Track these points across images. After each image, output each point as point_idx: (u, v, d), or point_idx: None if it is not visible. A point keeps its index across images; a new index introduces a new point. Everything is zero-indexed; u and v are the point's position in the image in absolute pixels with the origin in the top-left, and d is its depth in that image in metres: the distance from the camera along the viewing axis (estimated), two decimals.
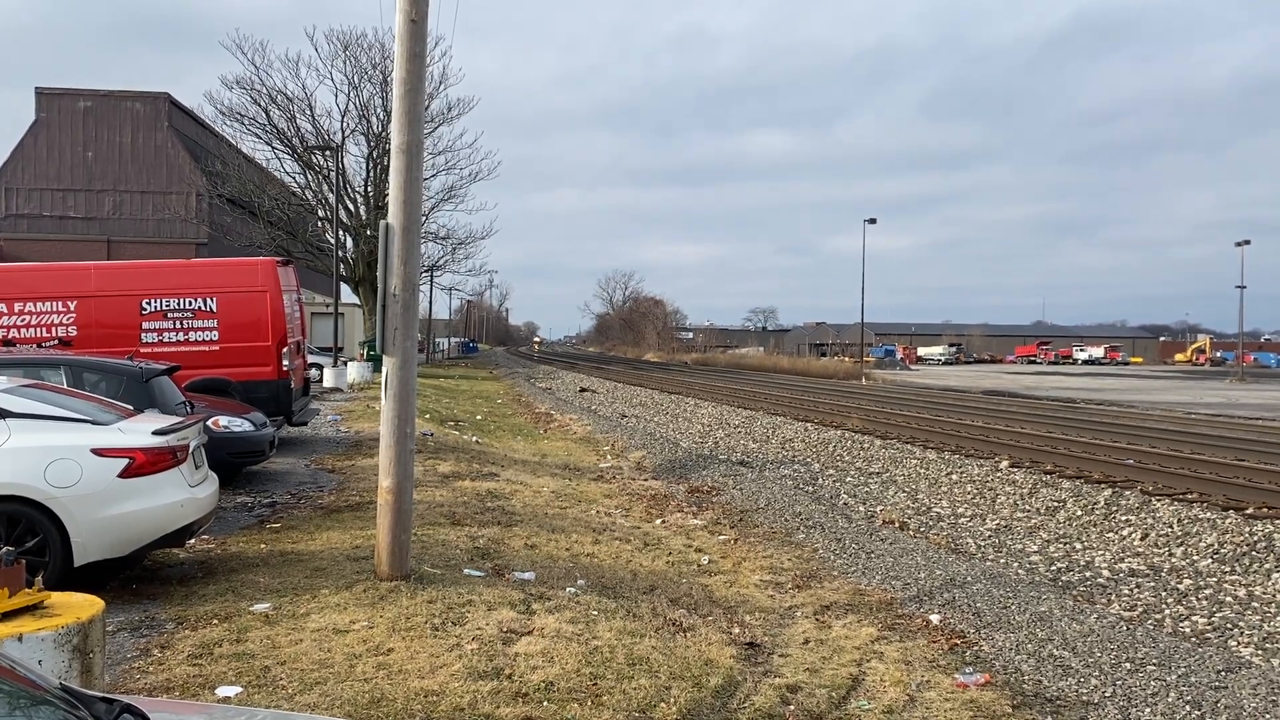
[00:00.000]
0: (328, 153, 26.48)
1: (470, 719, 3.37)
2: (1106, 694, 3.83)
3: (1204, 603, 5.40)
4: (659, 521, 8.02)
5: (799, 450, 13.26)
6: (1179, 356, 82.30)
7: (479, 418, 18.08)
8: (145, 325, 9.59)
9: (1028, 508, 8.68)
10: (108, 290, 9.79)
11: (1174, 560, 6.61)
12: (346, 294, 29.39)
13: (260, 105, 27.34)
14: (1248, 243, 44.04)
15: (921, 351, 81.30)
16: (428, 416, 15.14)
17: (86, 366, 6.66)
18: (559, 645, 4.08)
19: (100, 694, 1.74)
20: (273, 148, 28.28)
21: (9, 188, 31.63)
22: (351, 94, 27.23)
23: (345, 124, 27.62)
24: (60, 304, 9.53)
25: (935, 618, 4.79)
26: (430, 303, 48.22)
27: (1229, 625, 4.84)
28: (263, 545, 5.76)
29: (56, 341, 9.28)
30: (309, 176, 28.81)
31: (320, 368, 19.72)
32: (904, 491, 9.75)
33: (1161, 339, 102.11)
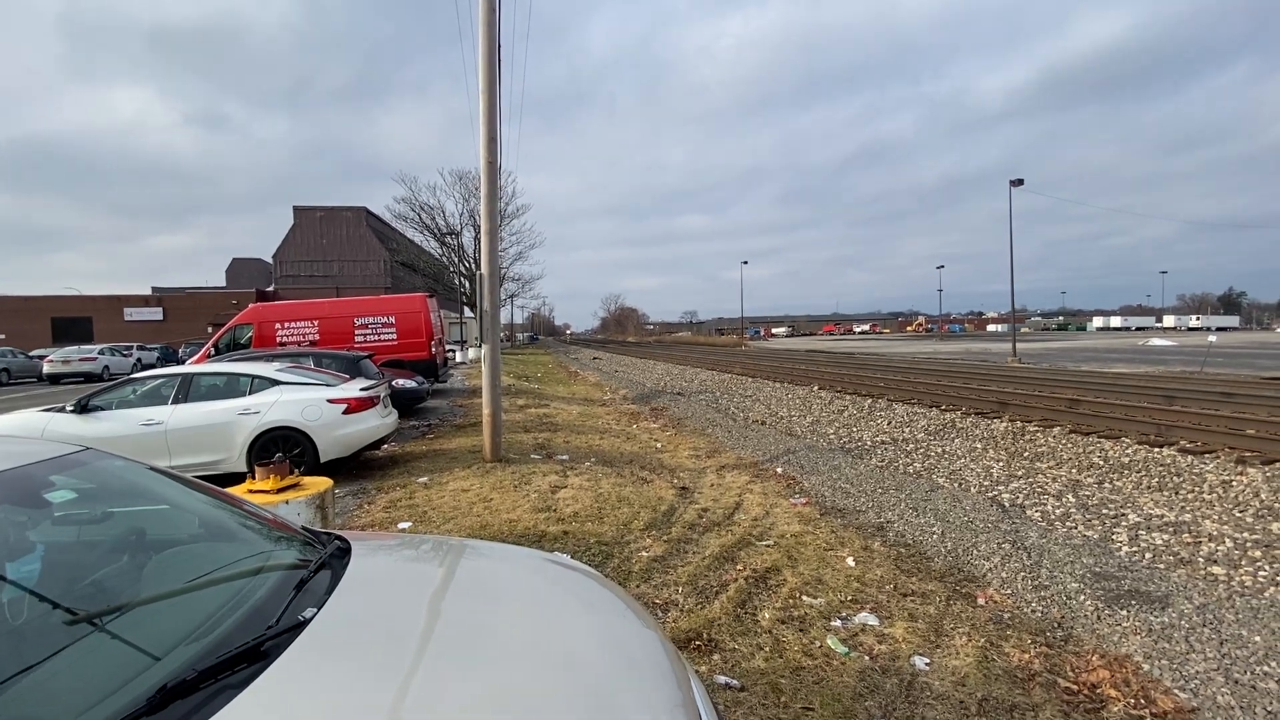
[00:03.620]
0: (452, 236, 46.66)
1: (534, 533, 5.36)
2: (869, 504, 6.43)
3: (919, 456, 8.60)
4: (635, 426, 11.55)
5: (708, 385, 19.43)
6: (909, 328, 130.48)
7: (539, 375, 26.12)
8: (356, 333, 14.35)
9: (829, 410, 13.04)
10: (335, 314, 14.55)
11: (904, 434, 10.27)
12: (466, 312, 48.84)
13: (414, 211, 46.71)
14: (942, 267, 78.11)
15: (774, 330, 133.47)
16: (512, 376, 23.45)
17: (324, 355, 9.97)
18: (580, 493, 6.58)
19: (325, 530, 2.35)
20: (423, 234, 48.02)
21: (282, 261, 56.88)
22: (463, 203, 46.47)
23: (461, 220, 46.83)
24: (310, 322, 14.31)
25: (780, 470, 7.90)
26: (511, 315, 77.08)
27: (932, 467, 7.97)
28: (424, 447, 8.89)
29: (308, 343, 13.93)
30: (443, 249, 48.30)
31: (454, 351, 31.28)
32: (764, 405, 14.30)
33: (900, 319, 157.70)
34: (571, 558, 4.71)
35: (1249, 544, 5.15)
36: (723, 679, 3.27)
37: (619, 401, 16.27)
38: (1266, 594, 4.26)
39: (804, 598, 4.23)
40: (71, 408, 7.05)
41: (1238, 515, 5.95)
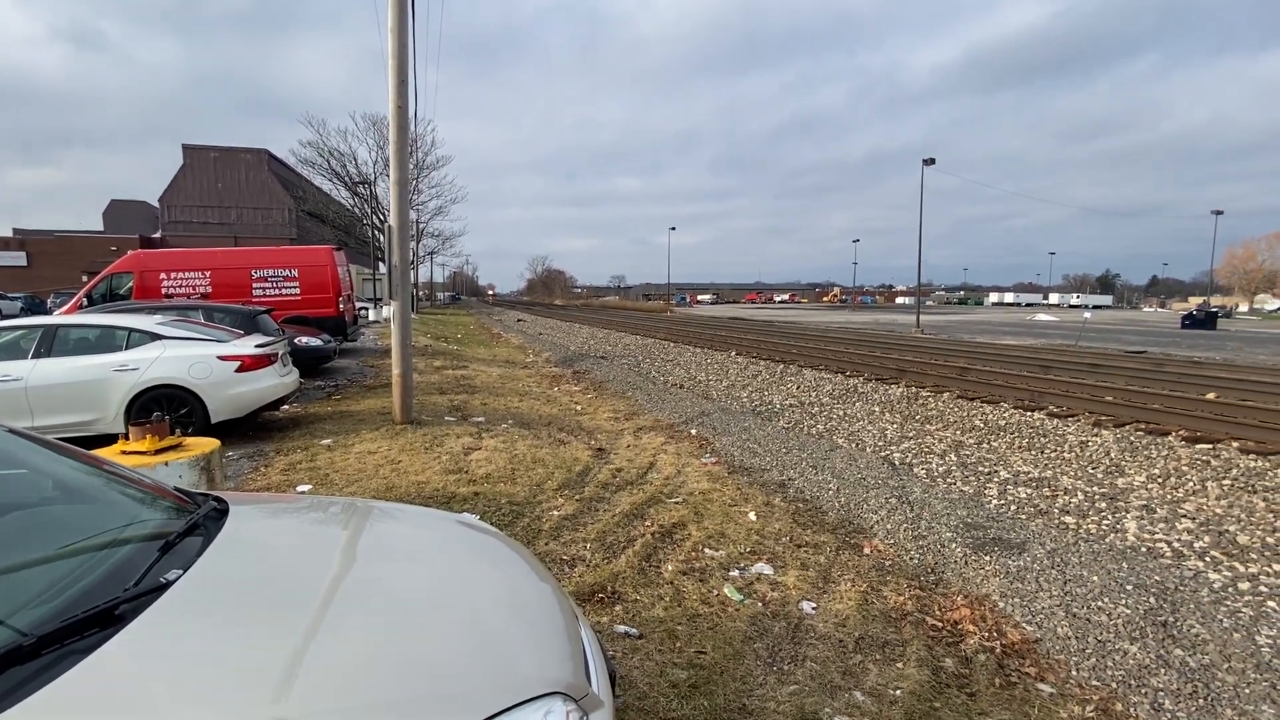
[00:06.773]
0: (364, 185, 42.97)
1: (443, 495, 5.29)
2: (774, 463, 6.81)
3: (823, 418, 9.17)
4: (556, 389, 11.47)
5: (631, 349, 19.56)
6: (825, 299, 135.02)
7: (459, 336, 25.04)
8: (254, 286, 13.30)
9: (744, 375, 13.56)
10: (230, 265, 13.36)
11: (811, 398, 10.88)
12: (380, 267, 44.10)
13: (323, 157, 43.13)
14: (858, 241, 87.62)
15: (700, 298, 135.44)
16: (430, 336, 22.47)
17: (216, 309, 9.09)
18: (495, 454, 6.55)
19: (200, 492, 2.27)
20: (333, 182, 44.70)
21: (169, 205, 51.60)
22: (377, 151, 42.65)
23: (375, 168, 43.32)
24: (200, 273, 13.08)
25: (694, 431, 8.15)
26: (431, 273, 74.79)
27: (833, 429, 8.52)
28: (329, 408, 8.45)
29: (199, 295, 12.75)
30: (355, 199, 44.93)
31: (367, 309, 29.68)
32: (684, 370, 14.64)
33: (817, 289, 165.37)
34: (480, 518, 4.72)
35: (1097, 496, 5.80)
36: (622, 628, 3.39)
37: (541, 364, 16.08)
38: (1107, 540, 4.83)
39: (706, 550, 4.42)
40: None
41: (1090, 471, 6.67)
